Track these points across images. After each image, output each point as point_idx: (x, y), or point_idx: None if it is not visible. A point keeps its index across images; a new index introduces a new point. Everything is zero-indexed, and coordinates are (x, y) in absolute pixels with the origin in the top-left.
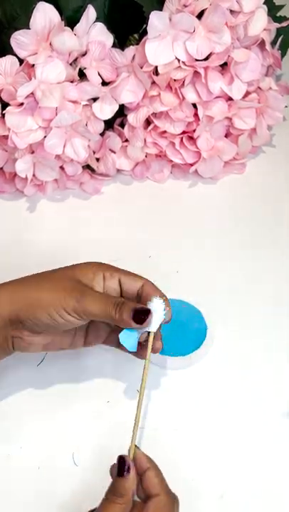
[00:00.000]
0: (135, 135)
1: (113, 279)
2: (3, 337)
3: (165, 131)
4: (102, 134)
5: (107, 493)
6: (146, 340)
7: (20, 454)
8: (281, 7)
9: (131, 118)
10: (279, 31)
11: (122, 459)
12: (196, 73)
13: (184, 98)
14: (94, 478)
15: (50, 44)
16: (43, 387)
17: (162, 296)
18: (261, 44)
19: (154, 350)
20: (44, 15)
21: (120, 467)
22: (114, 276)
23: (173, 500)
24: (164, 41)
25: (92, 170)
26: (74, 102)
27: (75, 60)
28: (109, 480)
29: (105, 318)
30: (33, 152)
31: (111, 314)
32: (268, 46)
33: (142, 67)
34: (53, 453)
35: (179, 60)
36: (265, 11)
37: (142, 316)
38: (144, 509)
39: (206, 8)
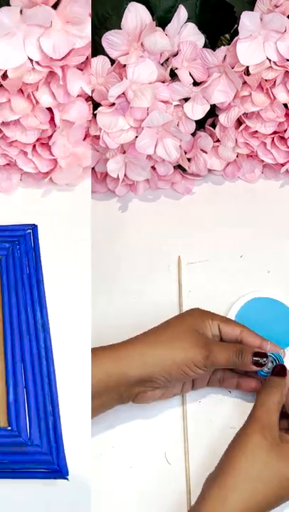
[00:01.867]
0: (226, 135)
1: (214, 326)
2: (127, 395)
3: (256, 131)
4: (193, 134)
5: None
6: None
7: (112, 453)
8: None
9: (222, 118)
10: None
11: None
12: (288, 73)
13: (275, 98)
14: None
15: (142, 44)
16: None
17: (263, 341)
18: None
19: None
20: (136, 15)
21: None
22: (214, 323)
23: None
24: (255, 41)
25: (184, 170)
26: (165, 102)
27: (167, 60)
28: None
29: (229, 365)
30: (124, 152)
31: (235, 361)
32: None
33: (233, 68)
34: (145, 452)
35: (270, 60)
36: None
37: (260, 359)
38: None
39: None
